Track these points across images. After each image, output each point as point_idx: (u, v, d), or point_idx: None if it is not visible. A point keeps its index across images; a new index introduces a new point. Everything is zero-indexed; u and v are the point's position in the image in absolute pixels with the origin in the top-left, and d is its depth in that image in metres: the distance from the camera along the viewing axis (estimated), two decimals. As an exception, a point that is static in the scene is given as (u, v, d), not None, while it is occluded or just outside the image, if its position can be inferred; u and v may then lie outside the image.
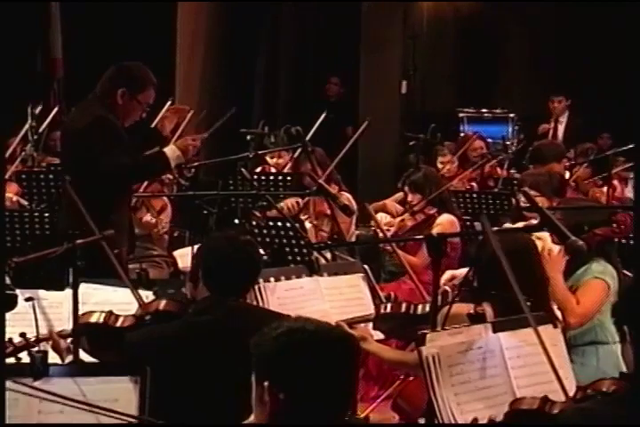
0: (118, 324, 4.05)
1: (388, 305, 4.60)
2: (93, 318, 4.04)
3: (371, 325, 4.45)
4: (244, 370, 3.14)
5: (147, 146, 5.77)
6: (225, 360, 3.59)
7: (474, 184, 8.57)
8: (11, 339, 3.69)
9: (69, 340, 3.93)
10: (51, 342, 3.88)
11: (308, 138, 7.80)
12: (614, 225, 5.00)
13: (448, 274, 5.21)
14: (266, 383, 2.53)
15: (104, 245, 4.30)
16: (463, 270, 5.63)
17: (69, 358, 3.93)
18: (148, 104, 5.65)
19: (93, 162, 5.39)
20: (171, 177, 7.14)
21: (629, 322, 2.65)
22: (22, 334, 3.83)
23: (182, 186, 7.88)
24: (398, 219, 6.90)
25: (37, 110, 8.90)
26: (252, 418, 2.65)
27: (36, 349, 3.70)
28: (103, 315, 4.06)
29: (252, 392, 2.61)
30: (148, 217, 6.95)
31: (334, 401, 2.57)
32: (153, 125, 6.37)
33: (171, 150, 5.57)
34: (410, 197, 6.88)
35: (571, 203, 5.93)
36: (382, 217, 6.89)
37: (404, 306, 4.54)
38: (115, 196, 5.51)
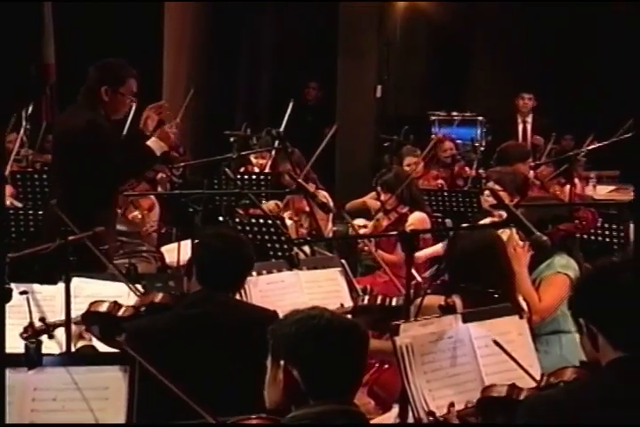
0: (120, 313, 4.05)
1: (365, 298, 4.61)
2: (102, 308, 4.03)
3: (349, 317, 4.45)
4: (230, 363, 3.15)
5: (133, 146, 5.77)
6: (212, 353, 3.58)
7: (443, 183, 8.59)
8: (32, 323, 3.81)
9: (82, 327, 3.96)
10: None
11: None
12: (577, 221, 5.02)
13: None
14: (282, 362, 2.64)
15: (88, 243, 4.29)
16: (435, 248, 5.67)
17: (80, 344, 3.96)
18: (133, 94, 5.66)
19: (86, 164, 5.41)
20: (164, 176, 7.13)
21: (585, 315, 2.65)
22: (42, 319, 3.89)
23: (175, 184, 7.90)
24: (374, 220, 6.91)
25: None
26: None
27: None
28: (109, 304, 4.06)
29: (267, 374, 2.72)
30: (135, 213, 6.93)
31: (343, 380, 2.68)
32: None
33: (152, 142, 5.61)
34: (382, 197, 6.89)
35: (535, 200, 5.96)
36: (358, 221, 6.93)
37: (379, 299, 4.55)
38: (104, 194, 5.51)
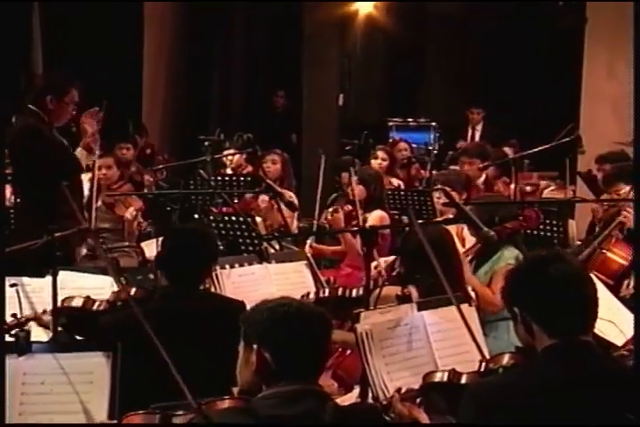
0: (95, 307, 4.02)
1: (327, 289, 4.62)
2: (74, 302, 4.00)
3: None
4: (194, 351, 3.10)
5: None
6: (178, 342, 3.50)
7: (400, 183, 8.61)
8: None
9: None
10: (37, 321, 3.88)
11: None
12: (521, 219, 5.04)
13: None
14: (255, 346, 2.63)
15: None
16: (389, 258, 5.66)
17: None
18: (75, 103, 5.68)
19: (26, 164, 5.50)
20: (151, 179, 7.09)
21: (519, 304, 2.63)
22: (13, 315, 3.83)
23: (162, 187, 7.90)
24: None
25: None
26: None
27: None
28: (82, 300, 4.04)
29: (239, 358, 2.71)
30: (128, 214, 6.86)
31: (310, 362, 2.67)
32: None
33: (78, 153, 5.71)
34: (355, 189, 6.81)
35: (486, 199, 5.98)
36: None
37: (340, 290, 4.56)
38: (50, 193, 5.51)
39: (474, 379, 3.06)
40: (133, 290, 4.06)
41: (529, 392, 2.48)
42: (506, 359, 3.13)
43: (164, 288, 3.89)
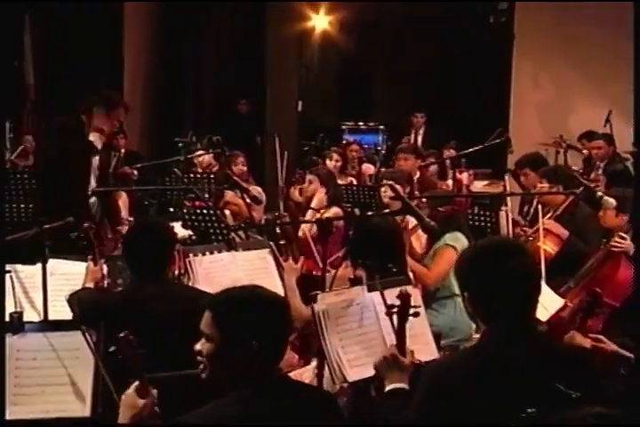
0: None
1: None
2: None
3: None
4: (158, 330, 2.99)
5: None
6: (147, 332, 3.41)
7: (353, 179, 8.63)
8: None
9: None
10: None
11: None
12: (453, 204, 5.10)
13: None
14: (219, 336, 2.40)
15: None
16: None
17: None
18: (119, 121, 5.70)
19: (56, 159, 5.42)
20: (136, 173, 7.02)
21: (466, 289, 2.56)
22: None
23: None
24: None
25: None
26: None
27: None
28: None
29: (198, 343, 2.46)
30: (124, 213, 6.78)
31: (270, 343, 2.42)
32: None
33: (92, 136, 5.59)
34: (312, 184, 6.80)
35: (434, 193, 6.03)
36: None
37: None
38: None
39: None
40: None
41: (475, 369, 2.42)
42: None
43: (131, 277, 3.84)
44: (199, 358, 2.44)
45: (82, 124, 5.53)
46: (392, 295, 3.48)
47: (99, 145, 5.60)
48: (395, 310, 2.97)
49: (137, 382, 2.50)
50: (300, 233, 6.33)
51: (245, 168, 7.91)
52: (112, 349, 2.58)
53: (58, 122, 5.59)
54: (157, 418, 2.47)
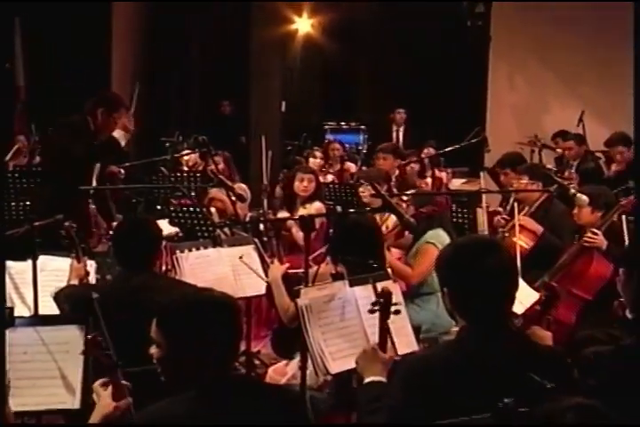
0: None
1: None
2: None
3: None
4: (138, 323, 2.95)
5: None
6: (126, 316, 3.41)
7: (334, 177, 8.63)
8: None
9: None
10: None
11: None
12: (434, 204, 5.10)
13: None
14: (167, 338, 2.36)
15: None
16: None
17: None
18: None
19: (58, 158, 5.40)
20: (123, 172, 7.00)
21: (447, 286, 2.53)
22: None
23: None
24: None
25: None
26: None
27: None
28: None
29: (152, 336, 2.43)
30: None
31: (217, 345, 2.36)
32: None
33: (117, 133, 5.64)
34: (306, 183, 6.80)
35: (418, 192, 6.05)
36: None
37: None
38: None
39: None
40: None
41: (454, 365, 2.40)
42: None
43: (120, 270, 3.84)
44: (154, 362, 2.43)
45: (87, 125, 5.51)
46: (371, 290, 3.51)
47: (122, 142, 5.62)
48: (377, 307, 2.96)
49: (110, 387, 2.49)
50: (294, 230, 6.32)
51: (223, 166, 7.85)
52: (80, 351, 2.56)
53: (64, 122, 5.55)
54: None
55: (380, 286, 3.45)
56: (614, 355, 2.93)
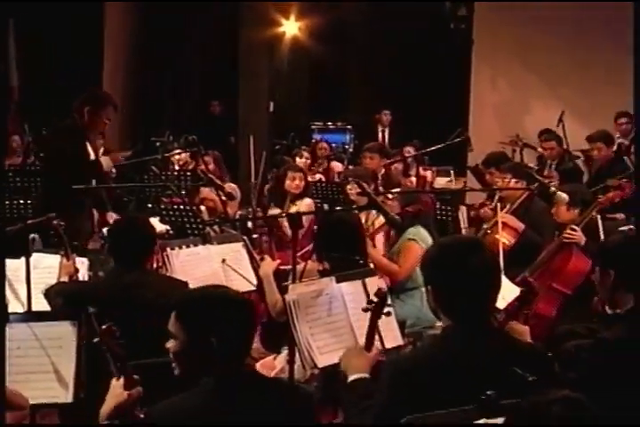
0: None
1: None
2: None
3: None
4: (132, 319, 2.96)
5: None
6: (120, 312, 3.38)
7: (322, 176, 8.63)
8: None
9: None
10: None
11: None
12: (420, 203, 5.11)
13: None
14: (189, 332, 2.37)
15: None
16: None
17: None
18: (109, 119, 5.64)
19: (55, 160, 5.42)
20: (114, 171, 6.97)
21: (431, 285, 2.52)
22: None
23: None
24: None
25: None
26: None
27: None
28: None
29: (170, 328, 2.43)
30: None
31: (232, 340, 2.39)
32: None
33: (104, 160, 5.65)
34: (297, 181, 6.79)
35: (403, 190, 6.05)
36: None
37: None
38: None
39: None
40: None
41: (440, 364, 2.40)
42: None
43: (113, 267, 3.83)
44: (170, 355, 2.44)
45: (77, 126, 5.48)
46: (358, 286, 3.51)
47: (105, 167, 5.67)
48: (371, 306, 2.95)
49: (122, 377, 2.49)
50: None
51: (213, 166, 7.84)
52: (96, 340, 2.56)
53: (59, 127, 5.53)
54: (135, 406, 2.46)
55: (369, 282, 3.45)
56: (594, 348, 2.94)
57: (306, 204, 6.56)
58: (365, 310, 2.97)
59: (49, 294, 3.73)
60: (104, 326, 2.55)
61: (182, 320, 2.40)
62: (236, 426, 2.30)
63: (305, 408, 2.46)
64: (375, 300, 2.94)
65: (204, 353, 2.36)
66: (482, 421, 2.14)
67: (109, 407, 2.46)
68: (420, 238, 4.91)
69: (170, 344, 2.44)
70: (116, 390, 2.48)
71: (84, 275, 4.28)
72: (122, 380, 2.49)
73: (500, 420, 2.11)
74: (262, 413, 2.32)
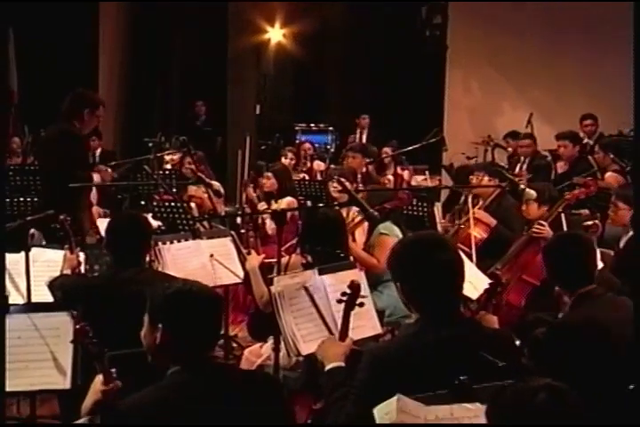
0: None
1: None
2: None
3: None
4: (126, 314, 2.93)
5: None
6: (115, 307, 3.40)
7: (305, 175, 8.63)
8: None
9: None
10: None
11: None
12: (396, 200, 5.11)
13: None
14: (160, 325, 2.35)
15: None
16: None
17: None
18: (100, 117, 5.59)
19: (58, 161, 5.32)
20: (109, 170, 6.95)
21: (400, 280, 2.52)
22: None
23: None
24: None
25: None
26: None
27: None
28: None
29: (144, 328, 2.42)
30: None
31: (204, 337, 2.39)
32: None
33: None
34: (270, 181, 6.79)
35: (372, 187, 6.06)
36: None
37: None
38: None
39: None
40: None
41: (414, 354, 2.40)
42: None
43: (110, 263, 3.81)
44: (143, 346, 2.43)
45: (75, 127, 5.44)
46: (340, 278, 3.52)
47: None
48: (345, 298, 2.95)
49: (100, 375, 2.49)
50: (267, 223, 6.34)
51: (193, 166, 7.80)
52: (70, 335, 2.56)
53: (63, 130, 5.48)
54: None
55: (348, 275, 3.46)
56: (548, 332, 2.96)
57: (286, 202, 6.58)
58: (339, 302, 2.98)
59: (52, 285, 3.72)
60: (77, 326, 2.54)
61: (154, 314, 2.39)
62: (205, 414, 2.26)
63: (274, 396, 2.42)
64: (348, 292, 2.94)
65: (173, 344, 2.34)
66: (456, 405, 2.15)
67: (90, 403, 2.45)
68: (391, 233, 4.92)
69: (143, 335, 2.43)
70: (97, 386, 2.47)
71: (80, 269, 4.26)
72: (100, 377, 2.48)
73: (473, 405, 2.12)
74: (228, 401, 2.30)
